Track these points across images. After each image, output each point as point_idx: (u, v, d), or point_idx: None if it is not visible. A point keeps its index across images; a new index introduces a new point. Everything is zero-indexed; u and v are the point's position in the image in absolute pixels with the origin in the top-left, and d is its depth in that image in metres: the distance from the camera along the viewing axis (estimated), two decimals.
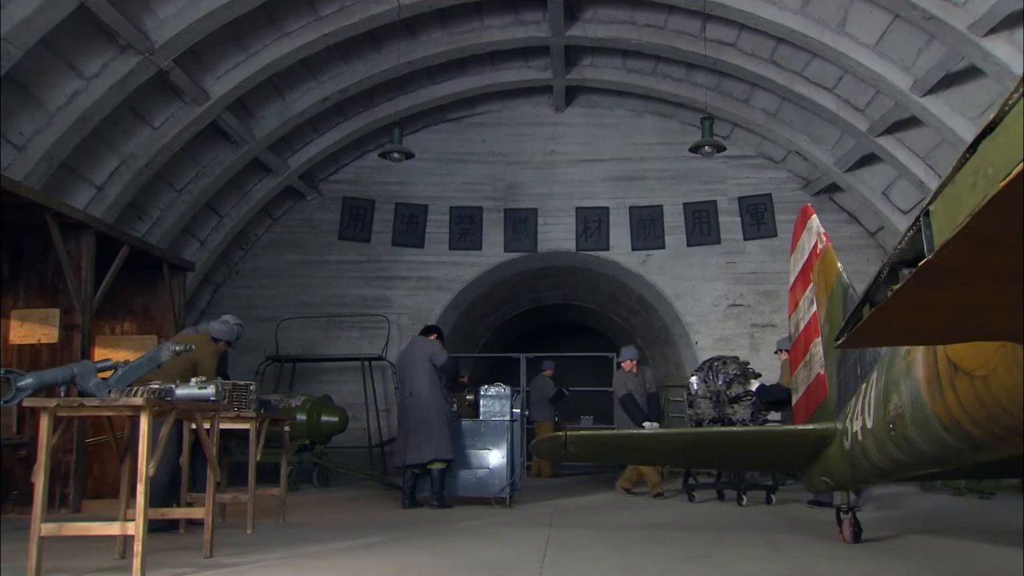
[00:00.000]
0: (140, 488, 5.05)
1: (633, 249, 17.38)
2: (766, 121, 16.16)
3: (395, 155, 13.29)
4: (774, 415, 11.87)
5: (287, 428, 8.86)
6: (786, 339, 10.79)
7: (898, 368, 5.31)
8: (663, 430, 10.61)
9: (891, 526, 7.99)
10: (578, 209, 17.53)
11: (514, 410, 10.43)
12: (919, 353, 4.87)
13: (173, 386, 5.88)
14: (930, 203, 2.46)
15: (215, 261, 16.81)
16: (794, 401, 7.87)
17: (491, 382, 11.10)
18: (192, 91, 12.99)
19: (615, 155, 17.63)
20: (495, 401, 10.41)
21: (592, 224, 17.45)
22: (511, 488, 10.28)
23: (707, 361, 11.63)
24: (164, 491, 7.63)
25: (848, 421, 6.28)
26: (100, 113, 11.91)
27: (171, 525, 7.42)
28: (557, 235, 17.60)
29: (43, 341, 9.68)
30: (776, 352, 12.02)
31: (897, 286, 2.78)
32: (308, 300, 17.47)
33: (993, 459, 4.99)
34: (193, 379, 6.05)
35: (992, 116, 2.14)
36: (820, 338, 7.36)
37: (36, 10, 10.08)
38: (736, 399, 11.07)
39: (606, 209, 17.48)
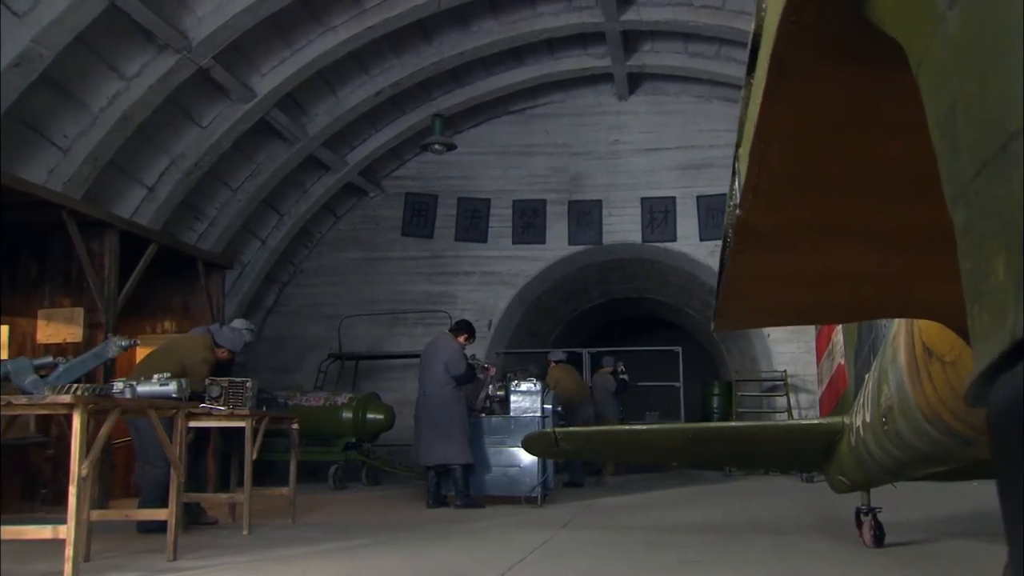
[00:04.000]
0: (72, 490, 4.87)
1: (701, 239, 16.76)
2: None
3: (436, 147, 13.06)
4: None
5: (295, 426, 8.65)
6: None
7: (887, 355, 4.79)
8: (659, 425, 10.09)
9: (930, 528, 7.35)
10: (643, 200, 17.00)
11: (545, 406, 10.04)
12: (901, 337, 4.37)
13: (135, 383, 5.72)
14: (739, 144, 2.04)
15: (278, 260, 16.83)
16: (820, 392, 7.34)
17: None
18: (237, 89, 12.97)
19: (681, 143, 17.04)
20: (526, 397, 10.04)
21: (658, 215, 16.91)
22: (543, 487, 9.89)
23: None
24: (161, 490, 7.48)
25: (853, 415, 5.75)
26: (142, 113, 11.94)
27: (164, 526, 7.26)
28: (623, 227, 17.12)
29: (68, 340, 9.71)
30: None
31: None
32: (372, 297, 17.36)
33: (988, 456, 4.45)
34: (156, 376, 5.88)
35: (754, 24, 1.71)
36: (840, 325, 6.81)
37: (65, 11, 10.12)
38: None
39: (672, 199, 16.91)
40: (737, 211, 2.03)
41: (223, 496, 7.93)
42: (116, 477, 10.73)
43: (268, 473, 11.26)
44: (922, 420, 4.21)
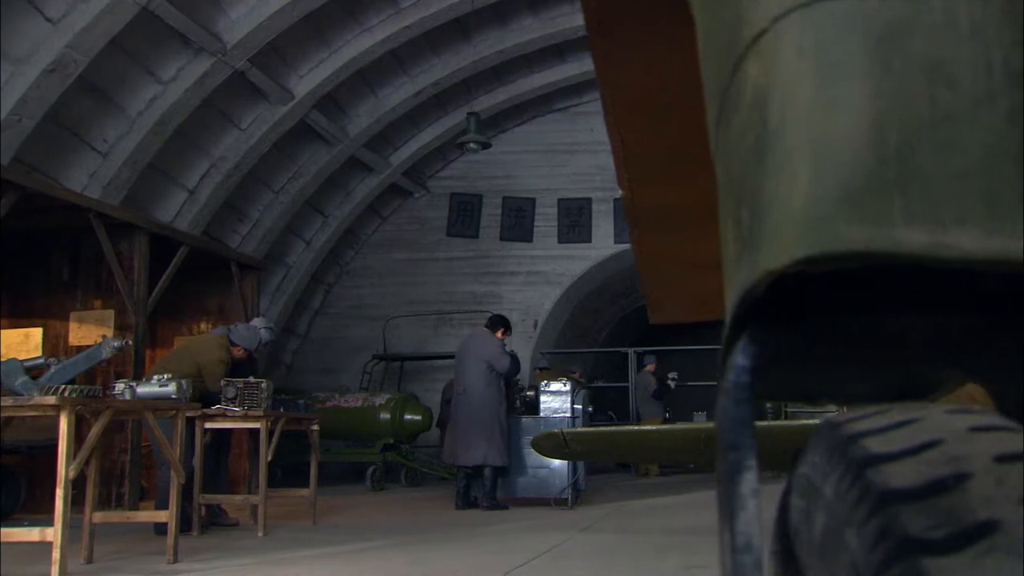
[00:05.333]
0: (59, 492, 4.84)
1: None
2: None
3: (471, 145, 12.95)
4: None
5: (315, 427, 8.59)
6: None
7: None
8: (671, 425, 9.81)
9: None
10: None
11: (575, 406, 9.85)
12: None
13: (134, 384, 5.70)
14: None
15: (324, 261, 16.86)
16: None
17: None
18: (275, 91, 12.99)
19: None
20: (555, 398, 9.87)
21: None
22: (573, 489, 9.70)
23: None
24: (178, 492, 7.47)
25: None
26: (179, 116, 12.00)
27: (183, 527, 7.25)
28: None
29: (99, 343, 9.76)
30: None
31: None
32: (418, 298, 17.31)
33: None
34: (155, 377, 5.84)
35: None
36: None
37: (98, 16, 10.20)
38: None
39: None
40: (620, 191, 1.87)
41: (236, 498, 7.89)
42: (152, 478, 10.79)
43: (306, 475, 11.23)
44: None
